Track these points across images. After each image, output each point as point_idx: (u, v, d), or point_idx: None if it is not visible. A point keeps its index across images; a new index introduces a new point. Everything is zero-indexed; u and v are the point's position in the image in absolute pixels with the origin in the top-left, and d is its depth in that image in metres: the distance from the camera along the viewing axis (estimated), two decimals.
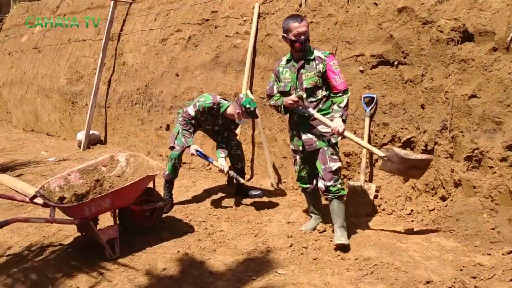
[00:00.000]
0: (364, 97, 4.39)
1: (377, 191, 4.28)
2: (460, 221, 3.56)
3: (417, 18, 4.06)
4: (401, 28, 4.18)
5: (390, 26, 4.28)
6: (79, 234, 3.70)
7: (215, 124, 4.51)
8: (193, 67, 6.33)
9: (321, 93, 3.53)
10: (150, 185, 3.68)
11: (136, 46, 7.52)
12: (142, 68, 7.28)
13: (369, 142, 4.36)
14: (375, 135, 4.35)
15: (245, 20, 5.79)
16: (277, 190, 4.89)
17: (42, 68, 10.03)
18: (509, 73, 3.40)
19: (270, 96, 3.74)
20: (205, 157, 4.37)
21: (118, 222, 3.59)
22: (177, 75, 6.55)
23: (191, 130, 4.35)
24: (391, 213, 4.08)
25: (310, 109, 3.50)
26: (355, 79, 4.52)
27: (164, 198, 4.21)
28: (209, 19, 6.25)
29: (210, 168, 5.89)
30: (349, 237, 3.59)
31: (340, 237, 3.48)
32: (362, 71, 4.45)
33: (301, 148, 3.65)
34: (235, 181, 4.61)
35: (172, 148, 4.49)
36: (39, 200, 3.39)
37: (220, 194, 4.95)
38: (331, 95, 3.54)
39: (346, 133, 3.45)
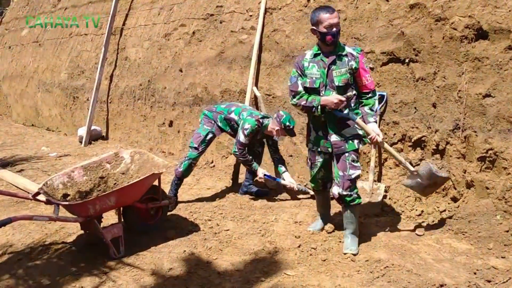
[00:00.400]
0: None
1: (386, 191, 4.20)
2: (473, 223, 3.48)
3: (429, 14, 3.97)
4: (413, 25, 4.09)
5: (401, 22, 4.19)
6: (82, 232, 3.62)
7: (255, 137, 4.47)
8: (197, 62, 6.23)
9: (350, 91, 3.30)
10: (155, 182, 3.60)
11: (139, 41, 7.42)
12: (145, 63, 7.18)
13: None
14: (385, 133, 4.27)
15: (251, 15, 5.70)
16: (283, 189, 4.81)
17: (43, 62, 9.92)
18: None
19: (294, 93, 3.36)
20: (273, 178, 4.52)
21: (122, 220, 3.51)
22: (180, 70, 6.46)
23: (250, 158, 4.38)
24: (401, 214, 4.01)
25: (351, 113, 3.26)
26: None
27: (169, 196, 4.12)
28: (214, 14, 6.15)
29: (214, 166, 5.81)
30: (358, 238, 3.50)
31: (351, 246, 3.36)
32: (372, 69, 4.36)
33: (330, 150, 3.37)
34: (301, 194, 4.60)
35: (195, 149, 4.41)
36: (42, 197, 3.31)
37: (224, 192, 4.87)
38: (360, 95, 3.33)
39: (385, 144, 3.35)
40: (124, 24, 7.85)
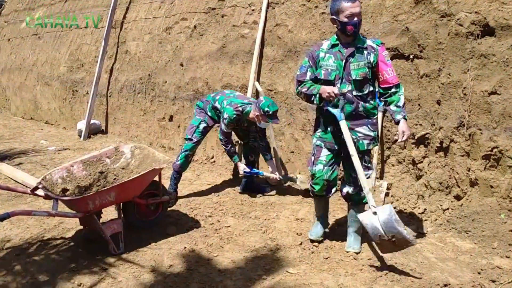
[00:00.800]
0: (378, 91, 4.24)
1: (388, 188, 4.16)
2: (476, 222, 3.44)
3: (435, 10, 3.91)
4: (418, 20, 4.03)
5: (406, 18, 4.13)
6: (81, 227, 3.57)
7: (241, 125, 4.41)
8: (198, 57, 6.16)
9: (368, 87, 3.10)
10: (156, 178, 3.55)
11: (140, 34, 7.34)
12: (145, 57, 7.11)
13: (382, 138, 4.24)
14: (388, 130, 4.23)
15: (253, 10, 5.63)
16: (283, 185, 4.77)
17: (42, 55, 9.84)
18: None
19: (300, 82, 3.23)
20: (254, 173, 4.45)
21: (122, 216, 3.46)
22: (181, 65, 6.40)
23: (233, 149, 4.34)
24: (403, 212, 3.96)
25: (341, 115, 3.07)
26: None
27: (169, 191, 4.07)
28: (216, 8, 6.08)
29: (214, 161, 5.76)
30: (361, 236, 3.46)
31: (353, 244, 3.31)
32: None
33: (336, 147, 3.21)
34: (283, 183, 4.61)
35: (189, 139, 4.38)
36: (40, 192, 3.25)
37: (225, 188, 4.83)
38: (381, 91, 3.13)
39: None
40: (124, 17, 7.77)
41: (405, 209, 3.97)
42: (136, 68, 7.26)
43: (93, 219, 3.22)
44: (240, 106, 4.20)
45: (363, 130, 3.15)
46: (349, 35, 3.05)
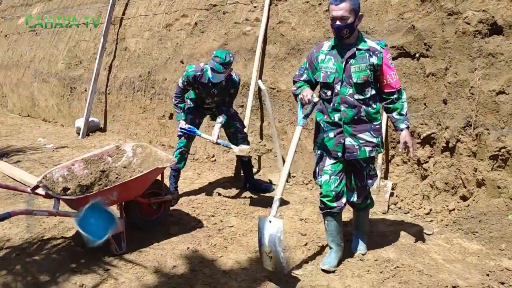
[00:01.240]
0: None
1: (393, 188, 4.12)
2: (483, 223, 3.41)
3: (441, 8, 3.86)
4: (424, 18, 3.99)
5: (412, 16, 4.09)
6: None
7: (212, 95, 4.23)
8: (199, 54, 6.09)
9: (370, 91, 2.91)
10: (158, 177, 3.49)
11: (139, 31, 7.26)
12: (145, 54, 7.03)
13: (386, 137, 4.19)
14: (393, 130, 4.18)
15: (255, 6, 5.56)
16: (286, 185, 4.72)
17: (40, 51, 9.73)
18: None
19: (294, 83, 3.13)
20: (193, 131, 4.23)
21: (124, 216, 3.40)
22: (182, 62, 6.32)
23: (181, 105, 4.23)
24: (408, 212, 3.93)
25: (303, 121, 2.92)
26: None
27: (171, 191, 4.01)
28: (217, 5, 6.01)
29: (215, 160, 5.70)
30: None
31: (360, 245, 3.26)
32: None
33: (339, 154, 3.00)
34: (226, 147, 4.37)
35: (180, 136, 4.31)
36: (41, 191, 3.19)
37: (227, 187, 4.77)
38: (383, 95, 2.97)
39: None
40: (124, 13, 7.68)
41: (410, 209, 3.93)
42: (136, 65, 7.18)
43: None
44: (202, 66, 4.13)
45: (365, 136, 2.95)
46: (337, 38, 2.90)
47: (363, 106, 2.92)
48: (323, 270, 3.02)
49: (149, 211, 3.60)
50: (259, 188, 4.59)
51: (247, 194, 4.54)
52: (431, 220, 3.73)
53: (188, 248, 3.32)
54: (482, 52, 3.59)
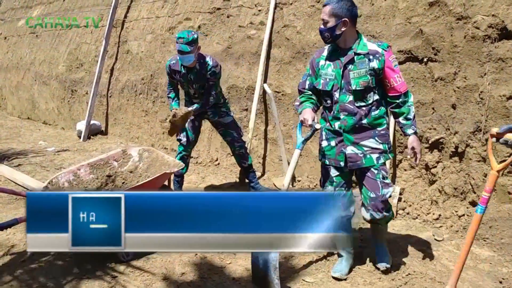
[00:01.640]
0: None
1: (401, 193, 4.08)
2: (494, 229, 3.38)
3: (450, 13, 3.84)
4: (432, 23, 3.96)
5: (420, 20, 4.06)
6: None
7: (191, 81, 4.19)
8: None
9: (372, 96, 2.77)
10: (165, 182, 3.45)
11: (142, 34, 7.22)
12: (148, 57, 7.00)
13: (394, 142, 4.16)
14: (401, 134, 4.15)
15: (259, 10, 5.54)
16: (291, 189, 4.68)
17: (40, 53, 9.68)
18: None
19: (299, 91, 3.03)
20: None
21: None
22: None
23: (171, 95, 4.44)
24: (416, 217, 3.89)
25: (302, 145, 2.89)
26: None
27: None
28: (221, 8, 5.98)
29: (219, 164, 5.66)
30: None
31: (384, 258, 3.01)
32: None
33: (342, 164, 2.87)
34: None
35: (179, 140, 4.31)
36: None
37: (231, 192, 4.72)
38: (388, 100, 2.83)
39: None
40: (126, 16, 7.65)
41: (419, 214, 3.90)
42: (138, 68, 7.14)
43: None
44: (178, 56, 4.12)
45: (370, 143, 2.80)
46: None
47: (365, 113, 2.79)
48: (334, 277, 2.95)
49: None
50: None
51: None
52: (441, 226, 3.70)
53: (196, 255, 3.27)
54: (492, 57, 3.56)
